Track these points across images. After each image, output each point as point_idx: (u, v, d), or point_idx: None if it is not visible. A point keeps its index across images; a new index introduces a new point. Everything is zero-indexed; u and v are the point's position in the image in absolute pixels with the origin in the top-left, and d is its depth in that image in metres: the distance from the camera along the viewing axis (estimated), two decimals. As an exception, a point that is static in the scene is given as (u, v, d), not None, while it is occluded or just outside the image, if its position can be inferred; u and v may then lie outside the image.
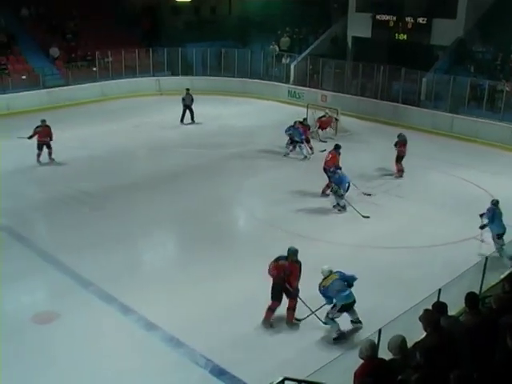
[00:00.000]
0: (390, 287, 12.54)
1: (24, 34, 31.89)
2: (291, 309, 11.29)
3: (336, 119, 24.27)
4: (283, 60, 32.65)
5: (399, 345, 7.10)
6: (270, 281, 11.25)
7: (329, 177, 17.42)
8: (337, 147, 18.07)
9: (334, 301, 10.86)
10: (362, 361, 7.12)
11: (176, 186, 18.40)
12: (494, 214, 13.84)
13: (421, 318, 7.56)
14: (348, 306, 10.92)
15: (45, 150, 20.47)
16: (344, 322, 11.02)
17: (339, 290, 10.79)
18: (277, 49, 33.20)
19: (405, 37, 28.79)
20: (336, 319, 10.92)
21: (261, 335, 10.96)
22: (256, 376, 9.47)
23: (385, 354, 7.32)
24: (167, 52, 33.54)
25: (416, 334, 7.94)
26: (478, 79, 25.50)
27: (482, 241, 14.58)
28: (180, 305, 11.85)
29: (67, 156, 21.41)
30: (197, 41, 34.15)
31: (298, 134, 21.40)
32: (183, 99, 26.56)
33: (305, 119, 22.94)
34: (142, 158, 22.24)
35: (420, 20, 28.20)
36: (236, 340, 10.68)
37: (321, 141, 23.32)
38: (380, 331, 8.03)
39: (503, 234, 13.85)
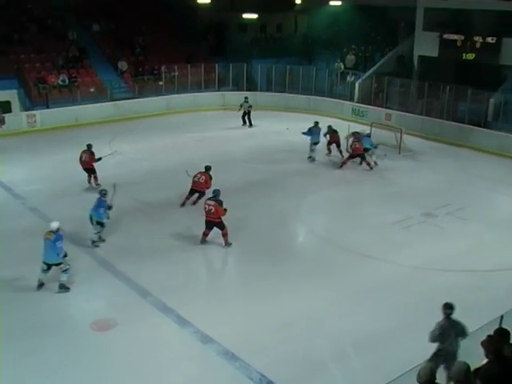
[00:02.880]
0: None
1: (94, 48, 32.88)
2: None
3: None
4: (348, 78, 32.55)
5: (464, 372, 6.77)
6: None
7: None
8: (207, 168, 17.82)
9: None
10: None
11: (236, 200, 18.35)
12: None
13: (482, 344, 7.34)
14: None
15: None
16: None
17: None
18: (342, 66, 33.14)
19: (473, 56, 28.19)
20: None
21: (316, 352, 10.81)
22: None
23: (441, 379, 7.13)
24: (232, 67, 33.93)
25: (476, 359, 7.69)
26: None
27: None
28: (236, 319, 11.85)
29: (131, 167, 21.83)
30: (262, 57, 34.43)
31: (367, 142, 22.30)
32: (241, 105, 28.47)
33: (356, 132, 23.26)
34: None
35: (489, 39, 27.61)
36: (291, 357, 10.59)
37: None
38: (439, 355, 7.83)
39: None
